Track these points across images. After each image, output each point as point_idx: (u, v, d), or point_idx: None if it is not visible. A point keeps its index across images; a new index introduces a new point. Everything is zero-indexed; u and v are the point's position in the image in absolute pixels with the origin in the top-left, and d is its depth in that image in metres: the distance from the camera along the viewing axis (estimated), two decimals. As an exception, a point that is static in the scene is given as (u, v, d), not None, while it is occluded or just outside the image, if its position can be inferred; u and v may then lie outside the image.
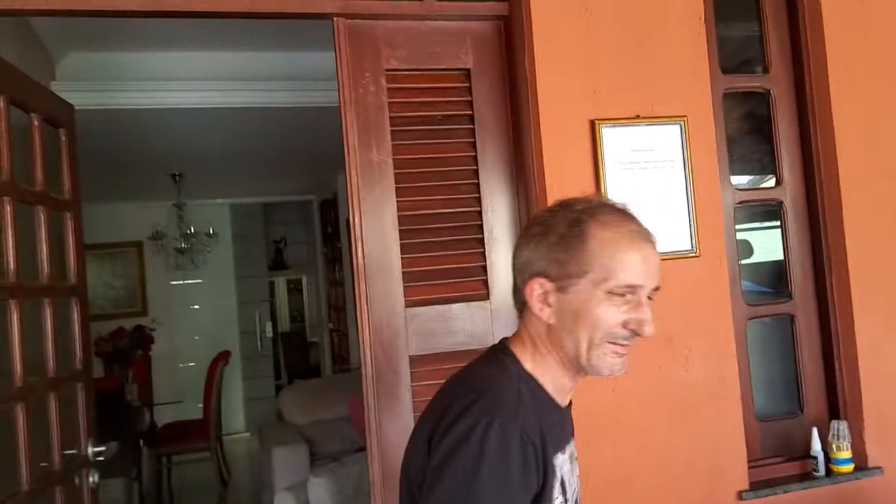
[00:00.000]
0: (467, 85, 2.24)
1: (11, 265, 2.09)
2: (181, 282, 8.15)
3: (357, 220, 2.15)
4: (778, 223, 2.49)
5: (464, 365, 1.29)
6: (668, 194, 2.20)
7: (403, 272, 2.17)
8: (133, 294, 7.93)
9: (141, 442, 5.56)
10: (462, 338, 2.21)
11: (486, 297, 2.24)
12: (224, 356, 6.39)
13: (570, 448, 1.27)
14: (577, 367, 1.20)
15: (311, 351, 10.22)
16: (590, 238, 1.14)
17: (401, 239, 2.17)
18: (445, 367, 2.19)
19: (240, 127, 5.01)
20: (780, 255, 2.49)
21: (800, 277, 2.45)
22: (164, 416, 6.88)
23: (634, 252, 1.14)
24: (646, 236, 1.17)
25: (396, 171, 2.17)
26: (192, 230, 7.23)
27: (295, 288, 11.13)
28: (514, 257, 1.24)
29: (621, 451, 2.12)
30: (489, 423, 1.08)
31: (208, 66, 4.22)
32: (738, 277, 2.37)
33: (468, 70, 2.24)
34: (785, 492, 2.22)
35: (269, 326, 8.76)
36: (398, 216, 2.17)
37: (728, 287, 2.25)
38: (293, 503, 3.52)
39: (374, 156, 2.16)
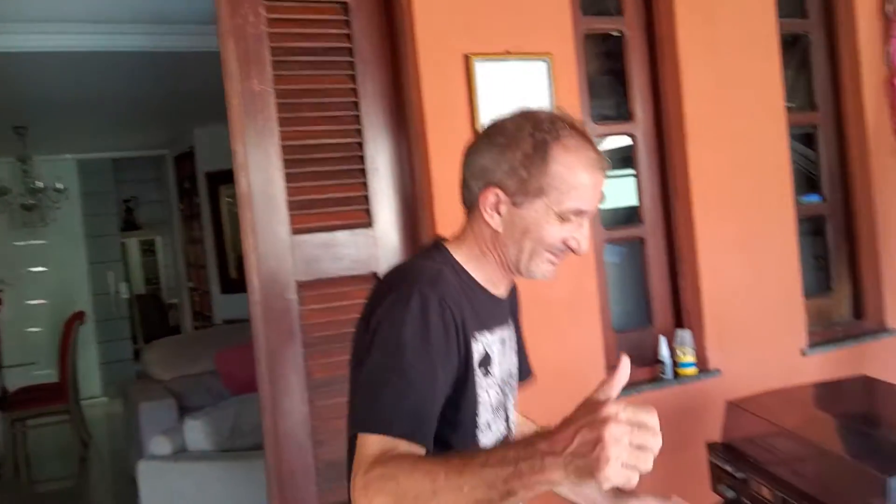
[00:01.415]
0: (346, 18, 2.30)
1: None
2: (27, 242, 7.67)
3: (240, 149, 2.17)
4: (632, 171, 2.72)
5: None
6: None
7: (288, 201, 2.23)
8: (-26, 256, 7.41)
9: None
10: (347, 263, 2.30)
11: (370, 224, 2.34)
12: (79, 316, 6.13)
13: (502, 332, 1.31)
14: (514, 270, 1.28)
15: (169, 313, 9.91)
16: (552, 162, 1.18)
17: (285, 168, 2.22)
18: (331, 291, 2.29)
19: (90, 74, 4.76)
20: (633, 202, 2.73)
21: (650, 205, 2.71)
22: (14, 380, 6.53)
23: (589, 180, 1.20)
24: (601, 164, 1.22)
25: (279, 100, 2.21)
26: (40, 185, 6.80)
27: (148, 249, 10.70)
28: (471, 160, 1.25)
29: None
30: (410, 293, 1.13)
31: (55, 6, 3.99)
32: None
33: (346, 3, 2.30)
34: (638, 392, 2.49)
35: (123, 287, 8.41)
36: (282, 146, 2.22)
37: (589, 212, 2.47)
38: (169, 446, 3.50)
39: (255, 85, 2.19)
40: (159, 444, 3.53)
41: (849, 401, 2.08)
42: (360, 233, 2.33)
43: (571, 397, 2.07)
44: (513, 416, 1.37)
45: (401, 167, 2.38)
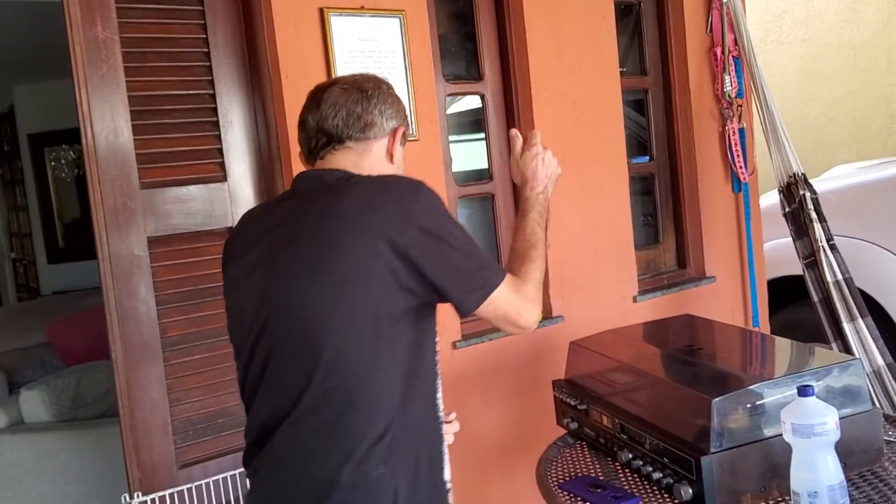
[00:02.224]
0: (195, -35, 2.23)
1: None
2: None
3: (84, 99, 2.07)
4: (482, 135, 2.83)
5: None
6: (391, 82, 2.41)
7: (137, 154, 2.15)
8: None
9: None
10: (201, 219, 2.26)
11: (224, 178, 2.30)
12: None
13: None
14: None
15: (-12, 286, 9.14)
16: (400, 101, 1.54)
17: (132, 120, 2.14)
18: (185, 247, 2.24)
19: None
20: (482, 165, 2.85)
21: (498, 162, 2.84)
22: None
23: None
24: None
25: (124, 49, 2.12)
26: None
27: (-39, 218, 9.78)
28: (376, 100, 1.47)
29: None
30: (428, 188, 1.38)
31: None
32: (449, 161, 2.68)
33: (195, -50, 2.24)
34: (490, 339, 2.63)
35: (-65, 258, 7.69)
36: (129, 97, 2.14)
37: (443, 167, 2.56)
38: (4, 419, 3.30)
39: (100, 33, 2.09)
40: (-9, 418, 3.31)
41: (675, 335, 2.30)
42: (213, 187, 2.29)
43: None
44: None
45: (255, 120, 2.36)
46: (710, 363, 2.01)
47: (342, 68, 2.30)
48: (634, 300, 2.99)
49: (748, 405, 1.66)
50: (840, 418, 1.67)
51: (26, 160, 6.54)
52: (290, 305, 1.33)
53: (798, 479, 1.54)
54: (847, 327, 2.75)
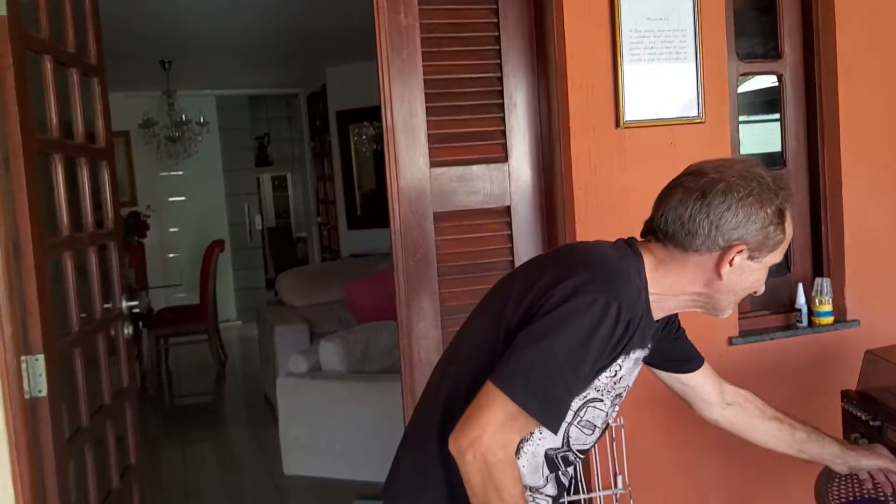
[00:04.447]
0: (489, -48, 2.31)
1: (55, 132, 2.17)
2: (169, 173, 8.18)
3: (386, 83, 2.25)
4: (776, 116, 2.63)
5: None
6: (679, 62, 2.33)
7: (428, 134, 2.30)
8: (122, 184, 7.97)
9: (140, 324, 5.74)
10: (481, 197, 2.37)
11: (505, 159, 2.38)
12: (219, 244, 6.53)
13: (643, 352, 1.43)
14: (708, 310, 1.42)
15: (297, 246, 10.37)
16: (787, 225, 1.35)
17: (426, 102, 2.29)
18: (466, 223, 2.37)
19: (232, 9, 4.98)
20: (775, 148, 2.65)
21: (794, 146, 2.62)
22: (158, 302, 7.06)
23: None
24: None
25: (423, 35, 2.27)
26: (184, 118, 7.21)
27: (279, 184, 11.18)
28: (714, 210, 1.30)
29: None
30: (605, 293, 1.25)
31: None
32: (738, 144, 2.53)
33: (492, -61, 2.31)
34: (771, 339, 2.46)
35: (258, 219, 8.86)
36: (424, 80, 2.28)
37: (729, 151, 2.42)
38: (305, 365, 3.74)
39: (402, 20, 2.25)
40: (297, 363, 3.78)
41: None
42: (495, 167, 2.38)
43: (701, 340, 1.99)
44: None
45: (538, 104, 2.40)
46: None
47: (628, 47, 2.26)
48: (951, 309, 2.62)
49: None
50: None
51: (334, 135, 7.26)
52: None
53: None
54: None
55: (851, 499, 1.73)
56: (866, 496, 1.73)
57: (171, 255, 8.24)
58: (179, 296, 7.42)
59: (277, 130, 10.19)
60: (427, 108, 2.29)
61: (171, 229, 8.31)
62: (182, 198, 8.39)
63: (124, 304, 2.64)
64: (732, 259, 1.32)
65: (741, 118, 2.61)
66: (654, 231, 1.38)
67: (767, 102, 2.74)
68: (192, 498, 3.91)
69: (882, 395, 1.95)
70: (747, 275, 1.36)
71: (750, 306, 2.57)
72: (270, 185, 11.17)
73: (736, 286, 1.37)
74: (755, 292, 1.42)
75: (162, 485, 4.05)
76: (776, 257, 1.37)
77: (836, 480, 1.84)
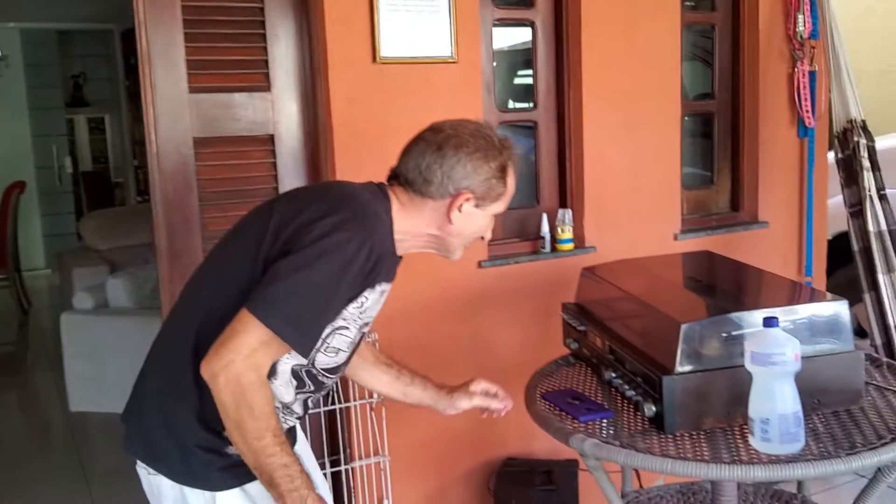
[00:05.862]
0: None
1: None
2: (-35, 110, 7.59)
3: (140, 6, 2.27)
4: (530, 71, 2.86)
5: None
6: (433, 5, 2.48)
7: (187, 60, 2.34)
8: None
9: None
10: (244, 124, 2.44)
11: (268, 88, 2.46)
12: (19, 185, 6.19)
13: (387, 286, 1.57)
14: (441, 251, 1.61)
15: (115, 191, 9.90)
16: (508, 178, 1.56)
17: (185, 28, 2.32)
18: (229, 150, 2.44)
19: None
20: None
21: (544, 91, 2.86)
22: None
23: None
24: None
25: (181, -39, 2.29)
26: (-20, 51, 6.69)
27: (97, 127, 10.54)
28: (445, 161, 1.50)
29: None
30: (354, 229, 1.39)
31: None
32: (492, 86, 2.74)
33: None
34: (517, 262, 2.72)
35: (68, 162, 8.40)
36: (182, 6, 2.31)
37: (481, 92, 2.62)
38: (91, 301, 3.69)
39: (158, -55, 2.26)
40: (81, 300, 3.71)
41: (686, 269, 2.31)
42: (258, 96, 2.45)
43: (451, 265, 2.15)
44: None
45: (302, 37, 2.49)
46: (702, 294, 2.03)
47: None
48: (675, 238, 2.98)
49: (721, 333, 1.69)
50: (818, 356, 1.68)
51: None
52: None
53: (754, 405, 1.58)
54: (882, 279, 2.65)
55: (553, 390, 1.99)
56: (565, 388, 2.00)
57: (-33, 198, 7.67)
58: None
59: (93, 69, 9.61)
60: (186, 33, 2.32)
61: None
62: (-19, 137, 7.81)
63: None
64: (461, 205, 1.52)
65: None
66: (398, 177, 1.56)
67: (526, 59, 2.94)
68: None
69: (591, 305, 2.23)
70: (474, 220, 1.55)
71: (502, 234, 2.81)
72: (87, 128, 10.53)
73: (464, 230, 1.56)
74: (482, 238, 1.63)
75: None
76: (499, 207, 1.58)
77: (548, 378, 2.10)
